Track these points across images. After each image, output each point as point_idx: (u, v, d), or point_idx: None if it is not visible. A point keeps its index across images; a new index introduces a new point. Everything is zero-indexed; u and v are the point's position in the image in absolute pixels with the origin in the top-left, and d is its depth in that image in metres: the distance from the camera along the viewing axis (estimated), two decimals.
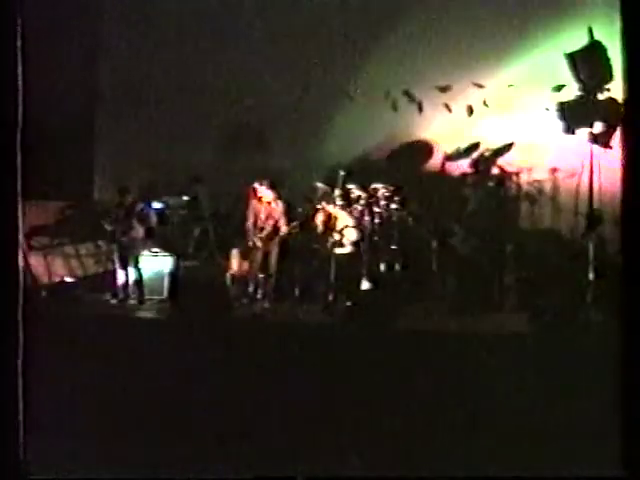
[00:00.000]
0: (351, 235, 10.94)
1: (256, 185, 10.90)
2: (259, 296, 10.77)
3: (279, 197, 10.91)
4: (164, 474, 6.13)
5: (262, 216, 10.89)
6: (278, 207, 10.92)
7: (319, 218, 11.09)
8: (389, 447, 6.38)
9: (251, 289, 10.83)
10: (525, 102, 11.22)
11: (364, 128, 11.63)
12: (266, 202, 10.90)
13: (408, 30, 11.21)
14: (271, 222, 10.89)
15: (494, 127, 11.39)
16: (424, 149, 11.48)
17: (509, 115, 11.35)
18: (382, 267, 10.94)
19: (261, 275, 10.85)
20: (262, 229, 10.88)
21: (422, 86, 11.44)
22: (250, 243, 10.89)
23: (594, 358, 7.15)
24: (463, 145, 11.41)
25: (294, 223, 11.18)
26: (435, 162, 11.41)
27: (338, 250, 10.86)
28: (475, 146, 11.42)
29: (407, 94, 11.57)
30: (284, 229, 10.96)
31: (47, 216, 11.00)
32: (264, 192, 10.89)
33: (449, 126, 11.51)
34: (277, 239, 10.96)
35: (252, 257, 10.88)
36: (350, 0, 11.07)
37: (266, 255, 10.88)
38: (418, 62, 11.21)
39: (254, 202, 10.95)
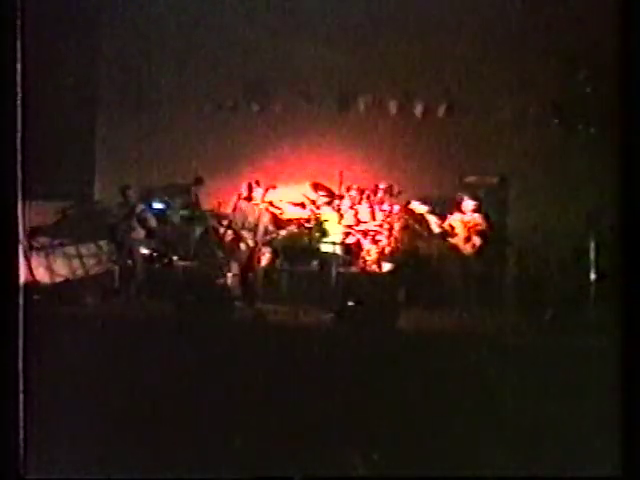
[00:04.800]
0: (349, 235, 10.97)
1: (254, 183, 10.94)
2: (253, 296, 10.81)
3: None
4: (164, 474, 6.12)
5: (251, 217, 10.91)
6: (265, 208, 10.98)
7: (318, 218, 11.11)
8: (389, 447, 6.38)
9: (245, 289, 10.87)
10: (523, 102, 11.25)
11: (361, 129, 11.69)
12: (254, 203, 10.93)
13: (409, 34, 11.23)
14: (261, 223, 10.92)
15: (492, 127, 11.41)
16: (425, 149, 11.49)
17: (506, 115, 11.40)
18: (383, 267, 10.97)
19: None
20: (253, 229, 10.89)
21: (419, 89, 11.48)
22: (242, 244, 10.92)
23: (594, 358, 7.15)
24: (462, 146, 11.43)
25: (290, 227, 11.23)
26: (434, 162, 11.41)
27: (338, 249, 10.88)
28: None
29: (406, 97, 11.61)
30: (283, 232, 11.03)
31: (47, 216, 11.00)
32: (257, 191, 10.92)
33: (448, 127, 11.53)
34: (268, 240, 11.03)
35: (245, 258, 10.91)
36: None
37: (258, 255, 10.93)
38: (416, 66, 11.23)
39: (243, 203, 10.96)
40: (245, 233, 10.89)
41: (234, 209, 11.05)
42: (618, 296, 6.61)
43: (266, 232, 11.03)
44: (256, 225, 10.90)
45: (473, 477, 6.27)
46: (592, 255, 10.12)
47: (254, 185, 10.95)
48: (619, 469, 6.05)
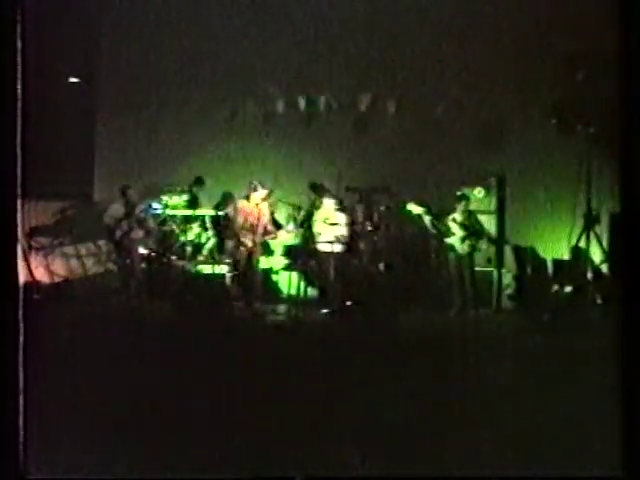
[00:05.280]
0: (348, 235, 10.96)
1: (255, 184, 10.96)
2: (252, 296, 10.82)
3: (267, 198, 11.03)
4: (164, 474, 6.12)
5: (250, 217, 10.93)
6: (265, 208, 10.99)
7: (316, 218, 11.10)
8: (389, 447, 6.37)
9: (244, 289, 10.89)
10: (523, 102, 11.26)
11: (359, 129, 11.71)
12: (254, 203, 10.95)
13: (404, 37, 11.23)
14: (261, 223, 10.95)
15: (491, 127, 11.43)
16: (422, 150, 11.49)
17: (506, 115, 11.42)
18: (381, 267, 10.97)
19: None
20: (252, 229, 10.91)
21: (418, 89, 11.50)
22: (242, 244, 10.94)
23: (594, 358, 7.15)
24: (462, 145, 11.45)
25: (288, 227, 11.25)
26: (434, 162, 11.41)
27: (336, 249, 10.87)
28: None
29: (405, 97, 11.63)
30: (281, 232, 11.08)
31: (47, 216, 11.01)
32: (258, 192, 10.94)
33: (446, 128, 11.54)
34: (264, 240, 11.07)
35: (244, 257, 10.93)
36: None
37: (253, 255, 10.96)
38: (416, 66, 11.24)
39: (244, 202, 10.98)
40: (245, 233, 10.90)
41: (234, 209, 11.07)
42: (618, 296, 6.60)
43: (265, 232, 11.05)
44: (255, 225, 10.91)
45: (473, 477, 6.26)
46: (591, 255, 10.13)
47: (253, 185, 10.96)
48: (619, 469, 6.05)
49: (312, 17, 11.18)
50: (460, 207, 10.93)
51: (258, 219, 10.93)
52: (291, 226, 11.32)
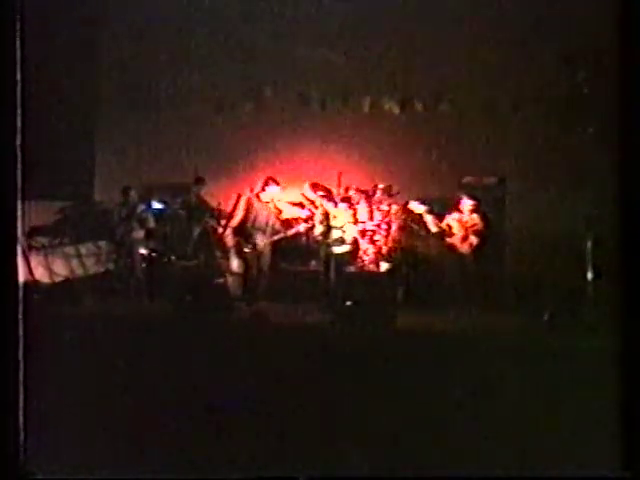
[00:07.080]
0: (350, 234, 10.95)
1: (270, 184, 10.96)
2: (255, 296, 10.81)
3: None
4: (164, 474, 6.12)
5: (260, 217, 10.92)
6: (273, 207, 10.98)
7: (319, 217, 11.09)
8: (389, 447, 6.38)
9: (247, 289, 10.88)
10: (523, 102, 11.26)
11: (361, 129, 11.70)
12: (264, 202, 10.94)
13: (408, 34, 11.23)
14: (270, 223, 10.94)
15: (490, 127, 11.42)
16: (423, 149, 11.49)
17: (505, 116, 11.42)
18: (382, 267, 10.96)
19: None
20: (261, 229, 10.90)
21: (418, 89, 11.50)
22: (248, 244, 10.92)
23: (594, 358, 7.15)
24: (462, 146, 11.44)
25: (296, 228, 11.23)
26: (432, 162, 11.41)
27: (337, 249, 10.87)
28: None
29: (405, 97, 11.63)
30: (290, 232, 11.07)
31: (47, 216, 11.01)
32: (271, 189, 10.93)
33: (447, 128, 11.53)
34: (272, 240, 11.06)
35: (248, 257, 10.92)
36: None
37: (260, 255, 10.94)
38: (415, 66, 11.25)
39: (254, 202, 10.97)
40: (253, 233, 10.89)
41: (245, 209, 11.02)
42: (617, 296, 6.61)
43: (273, 232, 11.02)
44: (264, 224, 10.90)
45: (473, 477, 6.27)
46: (591, 255, 10.13)
47: (264, 183, 10.95)
48: (620, 469, 6.06)
49: (312, 17, 11.17)
50: (461, 207, 10.94)
51: (267, 218, 10.92)
52: (300, 226, 11.30)
